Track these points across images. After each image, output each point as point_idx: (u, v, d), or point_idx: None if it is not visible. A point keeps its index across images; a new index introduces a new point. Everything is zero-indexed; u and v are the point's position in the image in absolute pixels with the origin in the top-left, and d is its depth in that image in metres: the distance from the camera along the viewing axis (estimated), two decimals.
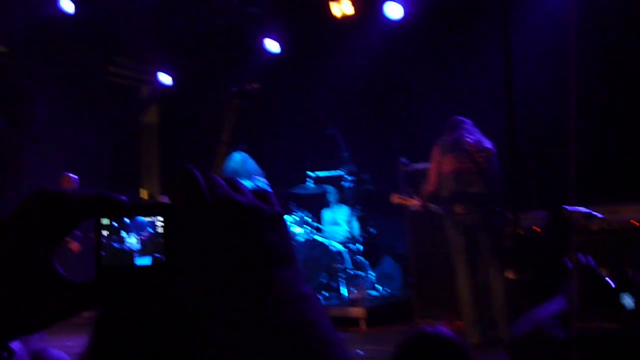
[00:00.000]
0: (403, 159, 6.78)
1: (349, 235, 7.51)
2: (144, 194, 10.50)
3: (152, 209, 0.62)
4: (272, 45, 8.43)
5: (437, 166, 5.52)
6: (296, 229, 7.73)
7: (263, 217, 0.60)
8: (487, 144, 5.45)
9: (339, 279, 7.24)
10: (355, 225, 7.62)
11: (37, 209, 0.60)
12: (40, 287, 0.59)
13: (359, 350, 5.55)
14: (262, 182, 7.28)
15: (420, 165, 6.70)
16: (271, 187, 8.27)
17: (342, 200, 8.10)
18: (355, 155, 7.47)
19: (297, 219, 7.78)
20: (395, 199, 6.14)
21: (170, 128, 10.72)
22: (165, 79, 9.64)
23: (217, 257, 0.57)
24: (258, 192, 0.63)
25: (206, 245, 0.58)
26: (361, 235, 7.64)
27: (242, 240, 0.58)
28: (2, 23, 8.59)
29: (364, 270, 7.35)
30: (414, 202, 5.97)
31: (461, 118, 5.63)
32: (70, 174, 7.90)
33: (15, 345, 1.28)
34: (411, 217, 6.67)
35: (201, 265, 0.58)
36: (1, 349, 0.57)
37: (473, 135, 5.47)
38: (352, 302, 6.77)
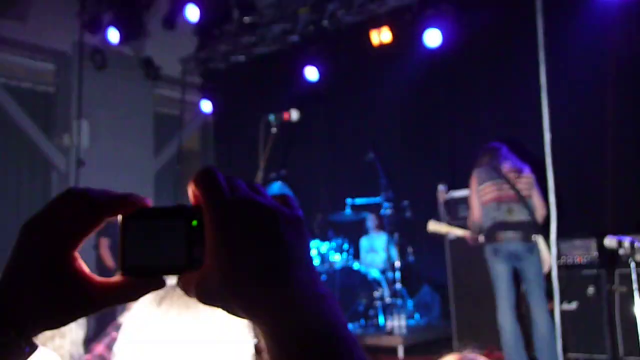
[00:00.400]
0: (441, 186, 6.73)
1: (386, 263, 7.45)
2: None
3: (175, 211, 0.64)
4: (311, 73, 8.52)
5: (477, 196, 5.42)
6: (334, 256, 7.72)
7: (283, 218, 0.62)
8: (526, 170, 5.34)
9: (377, 307, 7.17)
10: (393, 253, 7.55)
11: (63, 207, 0.62)
12: (63, 283, 0.61)
13: None
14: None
15: (459, 193, 6.64)
16: (308, 214, 8.30)
17: (380, 228, 8.07)
18: (394, 183, 7.45)
19: (335, 245, 7.77)
20: (432, 226, 6.06)
21: (211, 154, 10.90)
22: (206, 106, 9.81)
23: (237, 254, 0.59)
24: (279, 196, 0.65)
25: (226, 243, 0.59)
26: (399, 263, 7.56)
27: (261, 240, 0.60)
28: (52, 51, 8.93)
29: (402, 298, 7.27)
30: (452, 231, 5.89)
31: (495, 144, 5.54)
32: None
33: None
34: (450, 245, 6.60)
35: (222, 262, 0.59)
36: (25, 344, 0.59)
37: (510, 161, 5.37)
38: (389, 331, 6.69)
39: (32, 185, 8.81)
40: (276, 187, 7.54)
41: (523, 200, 5.23)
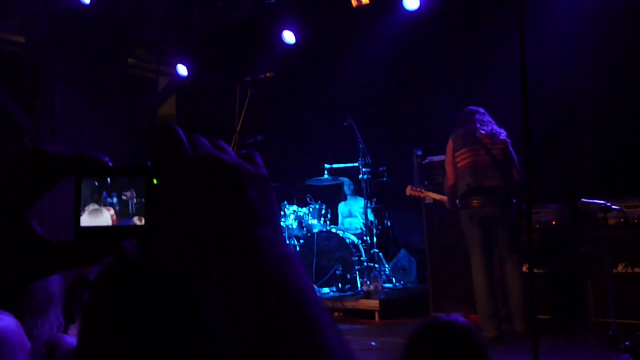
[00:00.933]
0: (417, 151, 6.73)
1: (364, 228, 7.49)
2: None
3: (134, 169, 0.60)
4: (288, 36, 8.41)
5: (452, 161, 5.42)
6: (312, 221, 7.74)
7: (247, 176, 0.59)
8: (502, 134, 5.33)
9: (354, 271, 7.23)
10: (371, 217, 7.60)
11: (15, 166, 0.59)
12: (15, 244, 0.58)
13: (372, 342, 5.55)
14: None
15: (436, 158, 6.66)
16: (285, 179, 8.29)
17: (357, 193, 8.10)
18: (372, 147, 7.44)
19: (313, 210, 7.80)
20: (409, 191, 6.06)
21: (187, 119, 10.78)
22: (182, 70, 9.67)
23: (199, 214, 0.56)
24: (244, 153, 0.62)
25: (188, 203, 0.57)
26: (376, 228, 7.62)
27: (225, 198, 0.57)
28: (21, 14, 8.67)
29: (379, 262, 7.34)
30: (429, 195, 5.91)
31: (474, 108, 5.51)
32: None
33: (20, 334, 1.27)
34: (427, 210, 6.64)
35: (184, 223, 0.56)
36: None
37: (487, 126, 5.34)
38: (366, 295, 6.76)
39: (3, 151, 8.65)
40: None
41: (498, 166, 5.23)
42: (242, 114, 3.31)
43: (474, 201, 5.25)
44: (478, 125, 5.34)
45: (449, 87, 7.79)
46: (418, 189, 6.02)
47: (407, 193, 6.06)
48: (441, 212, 6.55)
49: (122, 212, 0.60)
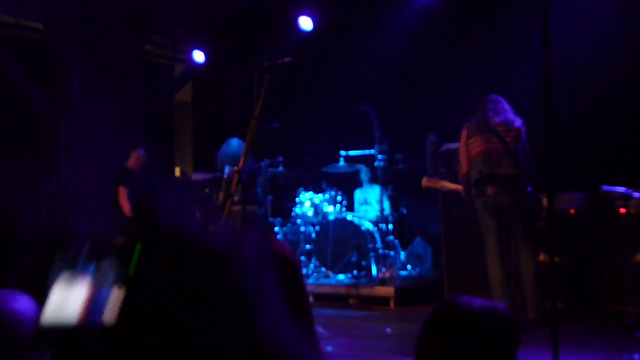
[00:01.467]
0: (431, 137, 6.68)
1: (380, 215, 7.48)
2: (177, 170, 10.62)
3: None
4: (304, 22, 8.37)
5: (466, 149, 5.42)
6: (327, 208, 7.75)
7: None
8: (517, 122, 5.29)
9: (369, 258, 7.24)
10: (387, 205, 7.58)
11: None
12: None
13: (387, 329, 5.57)
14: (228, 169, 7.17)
15: (453, 145, 6.62)
16: (302, 166, 8.29)
17: (374, 180, 8.08)
18: (388, 135, 7.41)
19: (329, 197, 7.80)
20: (425, 182, 6.01)
21: (204, 105, 10.81)
22: (198, 56, 9.67)
23: None
24: None
25: None
26: (392, 215, 7.61)
27: None
28: (39, 0, 8.72)
29: (395, 250, 7.33)
30: (445, 185, 5.87)
31: (491, 97, 5.47)
32: (141, 150, 8.14)
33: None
34: (443, 198, 6.61)
35: None
36: None
37: (501, 114, 5.31)
38: (381, 282, 6.76)
39: (22, 135, 8.71)
40: (234, 143, 7.41)
41: (511, 154, 5.20)
42: (261, 99, 3.31)
43: (488, 189, 5.23)
44: (491, 113, 5.31)
45: (468, 73, 7.72)
46: (433, 180, 5.96)
47: (423, 185, 5.98)
48: (458, 200, 6.51)
49: (99, 282, 0.57)
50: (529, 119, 5.37)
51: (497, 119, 5.28)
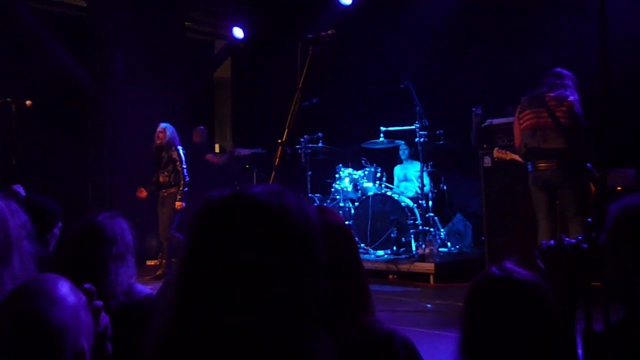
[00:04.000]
0: (477, 109, 6.56)
1: (419, 191, 7.44)
2: (216, 147, 10.73)
3: None
4: None
5: (518, 122, 5.40)
6: (366, 184, 7.73)
7: None
8: (571, 97, 5.17)
9: (409, 234, 7.22)
10: (427, 181, 7.52)
11: None
12: None
13: (427, 305, 5.56)
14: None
15: (496, 120, 6.50)
16: (341, 142, 8.26)
17: (414, 156, 8.02)
18: (429, 110, 7.32)
19: (368, 173, 7.77)
20: (496, 153, 5.92)
21: (243, 82, 10.84)
22: (238, 33, 9.69)
23: None
24: None
25: None
26: (432, 192, 7.55)
27: None
28: None
29: (434, 226, 7.30)
30: (515, 157, 5.68)
31: (555, 70, 5.36)
32: (201, 127, 8.56)
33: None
34: (485, 174, 6.53)
35: None
36: None
37: (557, 89, 5.21)
38: (421, 258, 6.75)
39: (66, 112, 8.88)
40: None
41: (561, 128, 5.13)
42: (304, 71, 3.30)
43: (538, 164, 5.22)
44: (546, 88, 5.25)
45: (512, 45, 7.53)
46: (504, 152, 5.85)
47: (494, 155, 5.91)
48: (500, 176, 6.43)
49: None
50: (586, 95, 5.23)
51: (551, 94, 5.21)
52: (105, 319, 1.21)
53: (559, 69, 5.37)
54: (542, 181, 5.22)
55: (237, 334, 0.93)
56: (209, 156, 8.70)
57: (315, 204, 1.41)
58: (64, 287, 1.13)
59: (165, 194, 7.08)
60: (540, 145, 5.18)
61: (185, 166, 7.03)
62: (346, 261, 1.48)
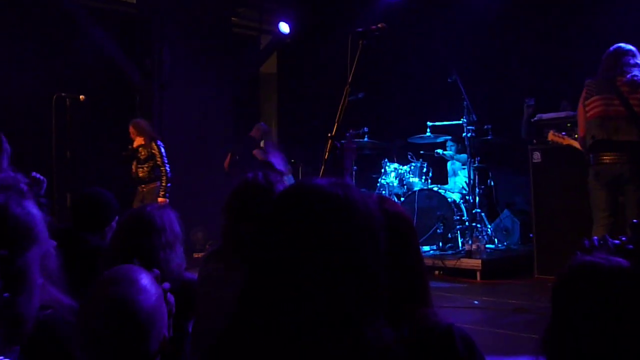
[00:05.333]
0: (529, 100, 6.38)
1: (466, 187, 7.36)
2: (261, 143, 10.81)
3: None
4: None
5: (583, 110, 4.81)
6: (412, 179, 7.68)
7: None
8: None
9: (456, 230, 7.15)
10: (474, 176, 7.43)
11: None
12: None
13: (475, 301, 5.50)
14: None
15: (545, 115, 6.39)
16: (387, 137, 8.20)
17: (461, 151, 7.93)
18: (477, 105, 7.22)
19: (415, 168, 7.72)
20: (551, 136, 5.34)
21: (288, 77, 10.89)
22: (284, 27, 9.73)
23: None
24: None
25: None
26: (479, 187, 7.45)
27: None
28: None
29: (481, 222, 7.21)
30: (572, 143, 5.15)
31: (623, 48, 4.68)
32: (262, 124, 8.72)
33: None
34: (534, 169, 6.42)
35: None
36: None
37: (631, 71, 4.59)
38: (468, 254, 6.68)
39: (117, 107, 9.07)
40: None
41: (634, 118, 4.55)
42: (354, 65, 3.29)
43: (604, 157, 4.66)
44: (619, 70, 4.63)
45: (564, 38, 7.36)
46: (560, 135, 5.25)
47: (549, 138, 5.33)
48: (549, 172, 6.32)
49: None
50: None
51: (624, 78, 4.59)
52: (171, 298, 1.25)
53: (626, 46, 4.70)
54: (607, 177, 4.67)
55: (302, 320, 0.96)
56: (255, 151, 8.79)
57: (376, 194, 1.42)
58: (147, 277, 1.17)
59: (145, 190, 6.85)
60: (610, 137, 4.63)
61: (166, 161, 6.79)
62: (406, 250, 1.47)
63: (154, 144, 6.84)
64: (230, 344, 1.03)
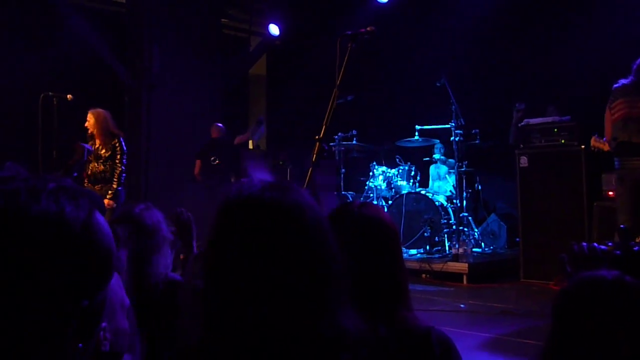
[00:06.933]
0: (519, 105, 6.42)
1: (454, 191, 7.38)
2: (250, 143, 10.79)
3: None
4: None
5: (609, 113, 4.83)
6: (400, 182, 7.69)
7: None
8: None
9: (443, 233, 7.17)
10: (461, 180, 7.46)
11: None
12: None
13: (461, 305, 5.52)
14: None
15: (533, 120, 6.42)
16: (376, 140, 8.22)
17: (449, 155, 7.96)
18: (465, 110, 7.25)
19: (402, 171, 7.73)
20: (594, 142, 5.12)
21: (278, 78, 10.89)
22: (274, 29, 9.73)
23: None
24: None
25: None
26: (467, 191, 7.48)
27: None
28: None
29: (468, 226, 7.23)
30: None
31: None
32: (219, 124, 8.57)
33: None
34: (522, 174, 6.46)
35: None
36: None
37: None
38: (455, 257, 6.69)
39: (105, 107, 9.00)
40: None
41: None
42: (342, 68, 3.30)
43: (628, 161, 4.66)
44: None
45: (552, 45, 7.40)
46: (602, 141, 5.04)
47: (592, 144, 5.10)
48: (535, 176, 6.36)
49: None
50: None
51: None
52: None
53: None
54: (631, 180, 4.64)
55: (263, 313, 1.00)
56: (238, 139, 8.73)
57: (358, 201, 1.44)
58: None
59: (102, 190, 5.91)
60: (631, 138, 4.63)
61: (125, 162, 6.03)
62: (383, 253, 1.48)
63: (117, 139, 6.09)
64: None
